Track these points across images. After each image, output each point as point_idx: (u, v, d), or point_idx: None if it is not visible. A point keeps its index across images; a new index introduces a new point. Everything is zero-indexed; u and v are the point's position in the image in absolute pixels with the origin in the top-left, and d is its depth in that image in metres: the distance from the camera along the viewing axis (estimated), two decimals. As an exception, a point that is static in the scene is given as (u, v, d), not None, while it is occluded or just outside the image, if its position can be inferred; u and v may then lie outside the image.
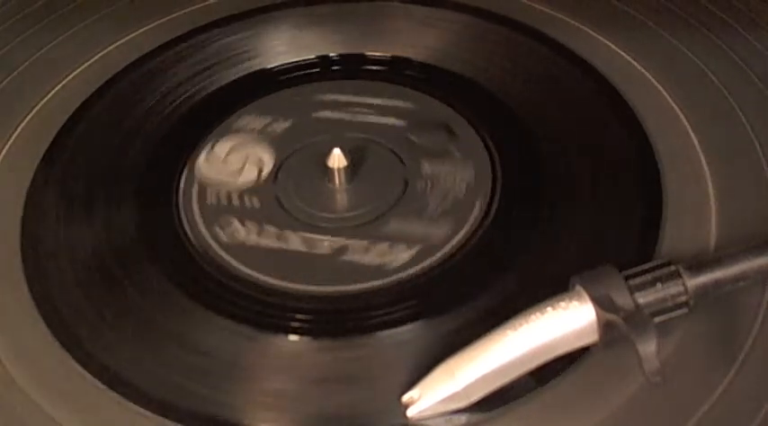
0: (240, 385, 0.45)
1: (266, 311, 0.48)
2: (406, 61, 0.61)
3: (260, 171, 0.54)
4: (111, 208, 0.53)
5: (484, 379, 0.41)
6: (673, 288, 0.42)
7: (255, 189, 0.53)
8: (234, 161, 0.55)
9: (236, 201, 0.53)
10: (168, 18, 0.64)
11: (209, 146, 0.56)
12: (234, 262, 0.50)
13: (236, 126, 0.57)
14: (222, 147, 0.56)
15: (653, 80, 0.58)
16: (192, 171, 0.55)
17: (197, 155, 0.55)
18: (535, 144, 0.55)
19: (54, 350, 0.46)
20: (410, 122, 0.57)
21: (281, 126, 0.57)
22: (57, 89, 0.60)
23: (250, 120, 0.57)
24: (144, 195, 0.54)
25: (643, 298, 0.42)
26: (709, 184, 0.51)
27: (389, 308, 0.47)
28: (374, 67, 0.61)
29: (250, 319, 0.47)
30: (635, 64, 0.59)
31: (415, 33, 0.62)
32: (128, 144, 0.56)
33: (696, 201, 0.51)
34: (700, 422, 0.42)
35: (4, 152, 0.56)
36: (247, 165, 0.54)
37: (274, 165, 0.54)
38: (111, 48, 0.62)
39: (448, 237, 0.50)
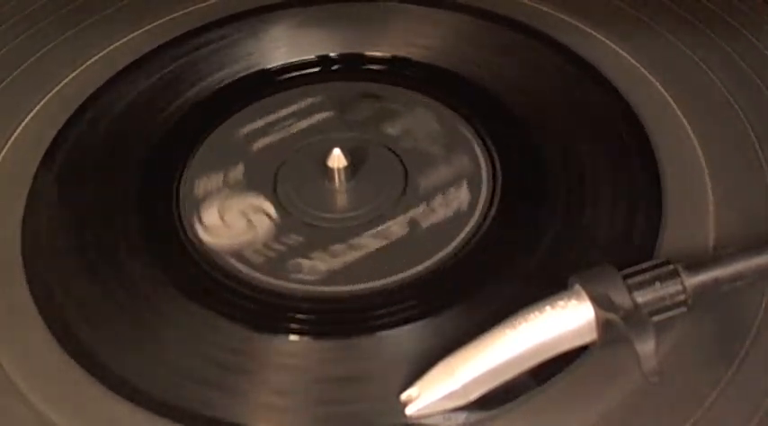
0: (240, 385, 0.45)
1: (266, 311, 0.48)
2: (406, 61, 0.61)
3: (268, 216, 0.52)
4: (110, 209, 0.53)
5: (483, 377, 0.41)
6: (671, 288, 0.42)
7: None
8: (234, 221, 0.52)
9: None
10: (168, 18, 0.64)
11: (195, 217, 0.52)
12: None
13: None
14: (211, 214, 0.52)
15: (653, 80, 0.58)
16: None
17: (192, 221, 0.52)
18: (535, 143, 0.55)
19: (54, 351, 0.46)
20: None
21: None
22: (57, 89, 0.60)
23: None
24: (144, 195, 0.54)
25: (641, 297, 0.42)
26: (709, 184, 0.51)
27: (389, 308, 0.47)
28: (374, 67, 0.61)
29: (250, 319, 0.47)
30: (635, 63, 0.59)
31: (415, 33, 0.62)
32: (128, 144, 0.56)
33: (696, 201, 0.51)
34: (699, 422, 0.42)
35: (4, 152, 0.56)
36: (252, 218, 0.52)
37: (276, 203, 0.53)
38: (111, 48, 0.62)
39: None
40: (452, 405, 0.42)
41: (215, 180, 0.54)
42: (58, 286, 0.49)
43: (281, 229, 0.51)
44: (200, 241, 0.51)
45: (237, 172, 0.54)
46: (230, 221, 0.52)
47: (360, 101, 0.58)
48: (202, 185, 0.54)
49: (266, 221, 0.52)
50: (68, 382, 0.45)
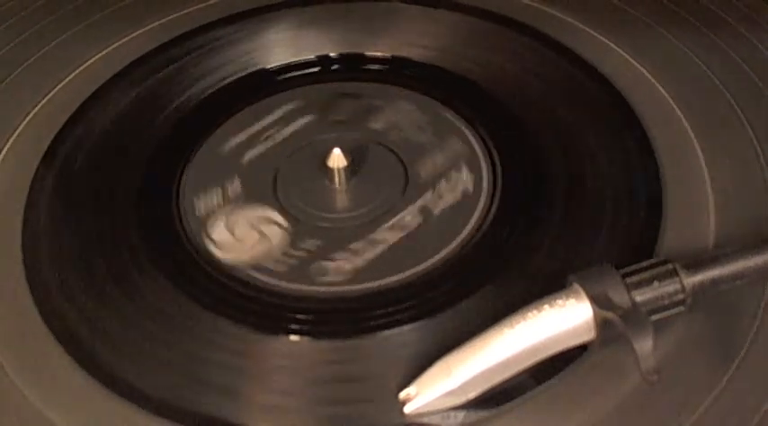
0: (240, 385, 0.45)
1: (266, 311, 0.48)
2: (406, 61, 0.61)
3: (279, 226, 0.51)
4: (111, 209, 0.53)
5: (481, 376, 0.41)
6: (670, 287, 0.42)
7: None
8: (246, 236, 0.51)
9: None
10: (168, 18, 0.64)
11: (196, 217, 0.52)
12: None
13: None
14: (220, 231, 0.52)
15: (653, 80, 0.58)
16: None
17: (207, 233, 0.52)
18: (535, 144, 0.55)
19: (53, 351, 0.46)
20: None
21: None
22: (57, 89, 0.60)
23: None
24: (144, 195, 0.54)
25: (640, 296, 0.42)
26: (709, 184, 0.51)
27: (389, 308, 0.47)
28: (374, 67, 0.61)
29: (250, 319, 0.47)
30: (635, 63, 0.59)
31: (415, 33, 0.62)
32: (128, 144, 0.56)
33: (695, 201, 0.51)
34: (699, 422, 0.42)
35: (4, 152, 0.56)
36: (265, 230, 0.52)
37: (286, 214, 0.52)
38: (111, 48, 0.62)
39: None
40: (450, 404, 0.42)
41: (216, 180, 0.54)
42: (58, 286, 0.49)
43: (280, 228, 0.51)
44: (200, 241, 0.51)
45: (238, 171, 0.54)
46: (231, 220, 0.52)
47: (360, 101, 0.58)
48: (203, 185, 0.54)
49: (267, 224, 0.52)
50: (68, 382, 0.45)
